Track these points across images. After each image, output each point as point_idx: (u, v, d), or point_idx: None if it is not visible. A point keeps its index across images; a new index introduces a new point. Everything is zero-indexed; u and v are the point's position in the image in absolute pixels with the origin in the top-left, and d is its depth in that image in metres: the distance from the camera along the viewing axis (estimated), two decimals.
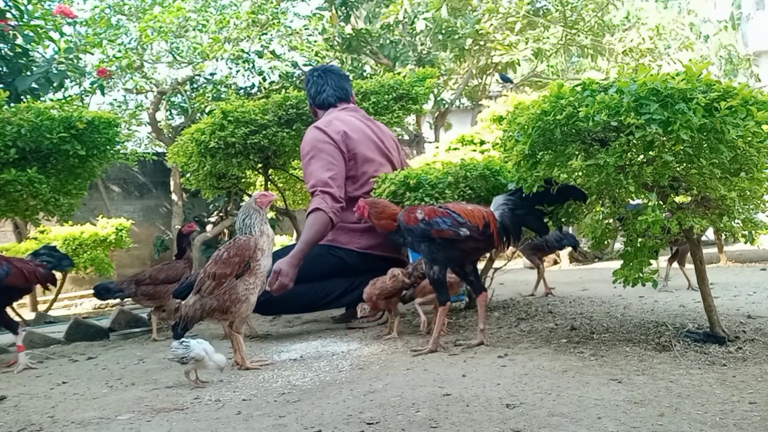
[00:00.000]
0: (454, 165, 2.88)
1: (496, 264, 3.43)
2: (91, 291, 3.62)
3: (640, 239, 2.20)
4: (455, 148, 3.93)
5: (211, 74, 8.19)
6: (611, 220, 2.40)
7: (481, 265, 3.17)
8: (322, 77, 3.55)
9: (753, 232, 2.13)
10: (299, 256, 3.01)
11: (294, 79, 7.66)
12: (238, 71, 8.07)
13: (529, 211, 2.44)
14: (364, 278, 2.87)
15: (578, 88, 2.06)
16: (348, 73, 4.80)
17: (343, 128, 3.29)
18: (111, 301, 5.05)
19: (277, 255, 3.50)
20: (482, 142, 3.92)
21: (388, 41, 7.31)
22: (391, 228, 2.53)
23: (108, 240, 5.54)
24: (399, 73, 5.39)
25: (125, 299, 3.66)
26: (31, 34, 4.87)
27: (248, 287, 2.44)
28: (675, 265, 3.89)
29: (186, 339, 2.18)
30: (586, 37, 7.70)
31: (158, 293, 3.39)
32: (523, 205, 2.44)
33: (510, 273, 4.38)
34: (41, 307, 5.53)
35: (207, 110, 7.42)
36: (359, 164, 3.31)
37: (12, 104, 3.64)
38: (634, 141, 1.97)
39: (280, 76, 7.70)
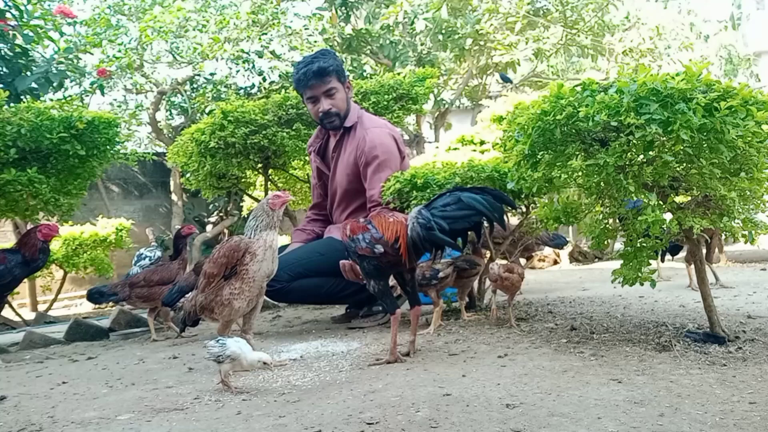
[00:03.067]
0: (462, 166, 2.87)
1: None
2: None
3: (640, 239, 2.21)
4: (455, 148, 3.94)
5: (211, 74, 8.18)
6: (611, 220, 2.40)
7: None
8: None
9: (753, 232, 2.13)
10: None
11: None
12: (238, 71, 8.05)
13: (434, 227, 2.23)
14: None
15: (578, 88, 2.06)
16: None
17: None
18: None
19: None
20: (482, 142, 3.92)
21: (388, 41, 7.31)
22: None
23: (108, 240, 5.54)
24: (399, 73, 5.39)
25: (119, 302, 3.63)
26: (31, 34, 4.87)
27: (233, 291, 2.37)
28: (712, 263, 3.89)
29: (223, 338, 2.06)
30: (586, 37, 7.71)
31: (153, 295, 3.35)
32: (432, 218, 2.25)
33: None
34: (41, 307, 5.53)
35: (207, 110, 7.41)
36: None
37: (12, 104, 3.63)
38: (634, 141, 1.97)
39: (280, 76, 7.68)
